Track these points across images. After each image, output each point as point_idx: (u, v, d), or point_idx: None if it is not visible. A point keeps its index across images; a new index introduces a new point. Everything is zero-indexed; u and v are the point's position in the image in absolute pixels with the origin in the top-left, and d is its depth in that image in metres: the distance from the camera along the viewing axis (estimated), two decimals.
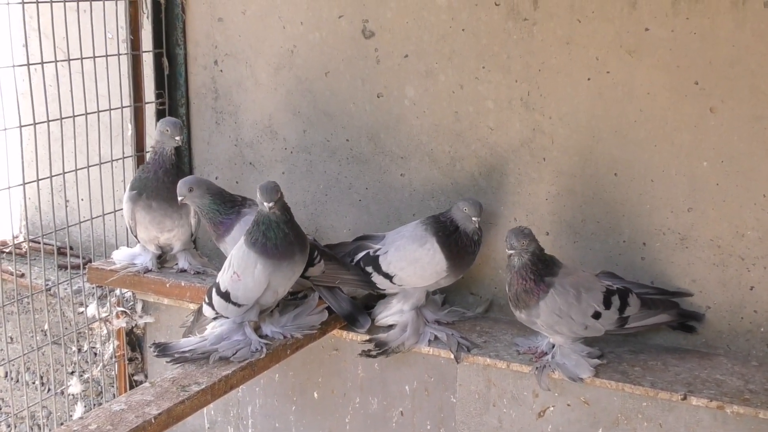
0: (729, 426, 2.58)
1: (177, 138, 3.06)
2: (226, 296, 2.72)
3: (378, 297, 3.05)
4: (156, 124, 3.21)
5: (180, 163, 3.13)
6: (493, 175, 3.03)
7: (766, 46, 2.58)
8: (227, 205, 2.91)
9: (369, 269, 2.93)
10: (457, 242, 2.85)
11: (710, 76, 2.67)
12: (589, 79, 2.83)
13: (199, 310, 2.85)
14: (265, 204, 2.63)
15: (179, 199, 2.90)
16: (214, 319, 2.78)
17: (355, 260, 2.98)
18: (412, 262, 2.87)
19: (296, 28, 3.21)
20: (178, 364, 2.64)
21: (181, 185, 2.89)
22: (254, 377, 2.73)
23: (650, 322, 2.79)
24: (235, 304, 2.72)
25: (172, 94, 3.48)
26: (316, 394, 3.22)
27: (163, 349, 2.67)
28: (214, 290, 2.76)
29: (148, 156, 3.22)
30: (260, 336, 2.77)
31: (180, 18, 3.40)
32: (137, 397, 2.46)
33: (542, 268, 2.66)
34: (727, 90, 2.66)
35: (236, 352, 2.67)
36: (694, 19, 2.65)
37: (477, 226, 2.84)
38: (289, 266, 2.72)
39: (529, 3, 2.84)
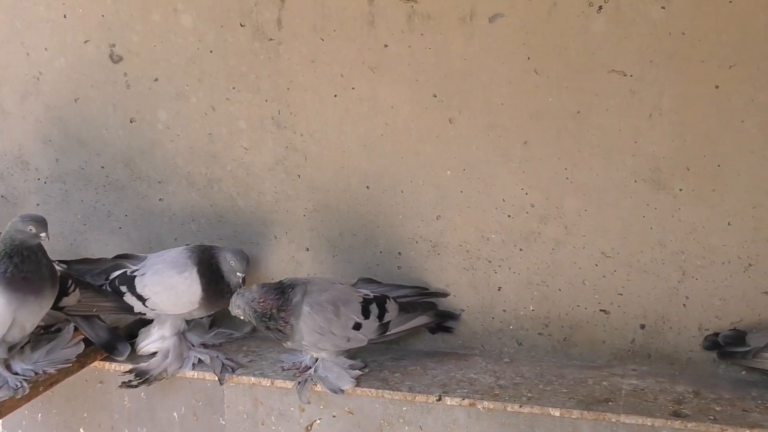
0: (482, 421, 2.68)
1: (43, 235, 2.57)
2: None
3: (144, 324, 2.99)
4: None
5: None
6: (250, 194, 3.04)
7: (493, 58, 2.73)
8: None
9: (123, 288, 2.85)
10: (217, 282, 2.82)
11: (446, 89, 2.79)
12: (335, 95, 2.89)
13: None
14: (41, 235, 2.53)
15: None
16: None
17: (110, 278, 2.90)
18: (167, 288, 2.82)
19: (41, 54, 3.11)
20: None
21: None
22: (2, 418, 2.60)
23: (411, 325, 2.86)
24: None
25: None
26: (82, 431, 3.11)
27: None
28: None
29: None
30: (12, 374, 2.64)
31: None
32: None
33: (278, 309, 2.64)
34: (462, 101, 2.79)
35: None
36: (428, 36, 2.77)
37: (241, 281, 2.82)
38: (37, 301, 2.60)
39: (273, 23, 2.88)
